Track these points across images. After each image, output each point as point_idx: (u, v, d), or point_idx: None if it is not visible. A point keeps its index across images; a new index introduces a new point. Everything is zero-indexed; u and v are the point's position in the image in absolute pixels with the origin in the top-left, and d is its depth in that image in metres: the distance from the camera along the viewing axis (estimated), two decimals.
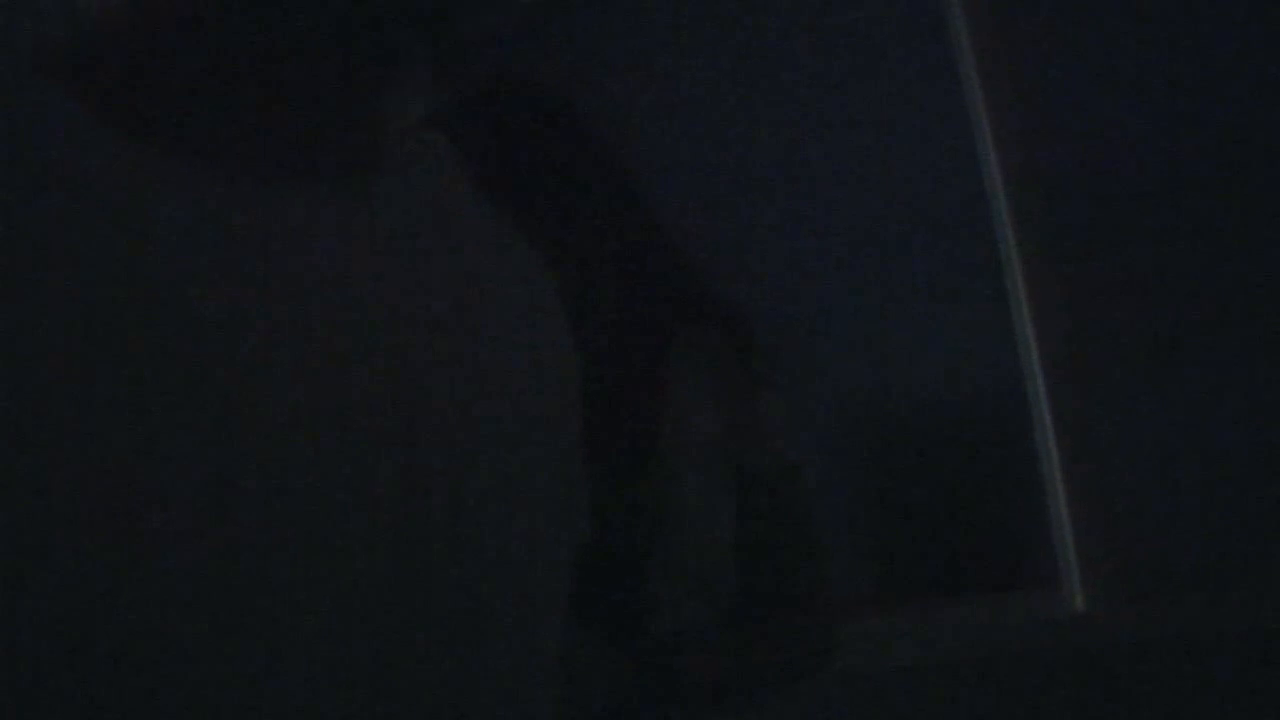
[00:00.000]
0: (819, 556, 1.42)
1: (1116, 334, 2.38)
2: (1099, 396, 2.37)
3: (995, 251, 2.42)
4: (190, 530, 0.65)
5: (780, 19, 2.55)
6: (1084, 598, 2.35)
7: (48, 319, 0.62)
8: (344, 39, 0.72)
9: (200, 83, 0.69)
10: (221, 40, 0.69)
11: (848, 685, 2.27)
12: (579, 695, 1.05)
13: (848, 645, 2.31)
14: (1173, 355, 2.35)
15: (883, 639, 2.29)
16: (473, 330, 0.82)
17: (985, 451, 2.56)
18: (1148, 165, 2.37)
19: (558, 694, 0.89)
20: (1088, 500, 2.36)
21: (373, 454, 0.73)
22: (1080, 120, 2.40)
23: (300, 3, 0.70)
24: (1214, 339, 2.33)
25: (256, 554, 0.67)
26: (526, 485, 0.82)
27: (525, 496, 0.82)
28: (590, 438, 0.96)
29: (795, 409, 1.47)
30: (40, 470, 0.61)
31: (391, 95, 0.79)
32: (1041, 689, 2.26)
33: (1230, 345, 2.32)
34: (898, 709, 2.30)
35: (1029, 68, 2.39)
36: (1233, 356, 2.32)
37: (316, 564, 0.70)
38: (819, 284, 2.52)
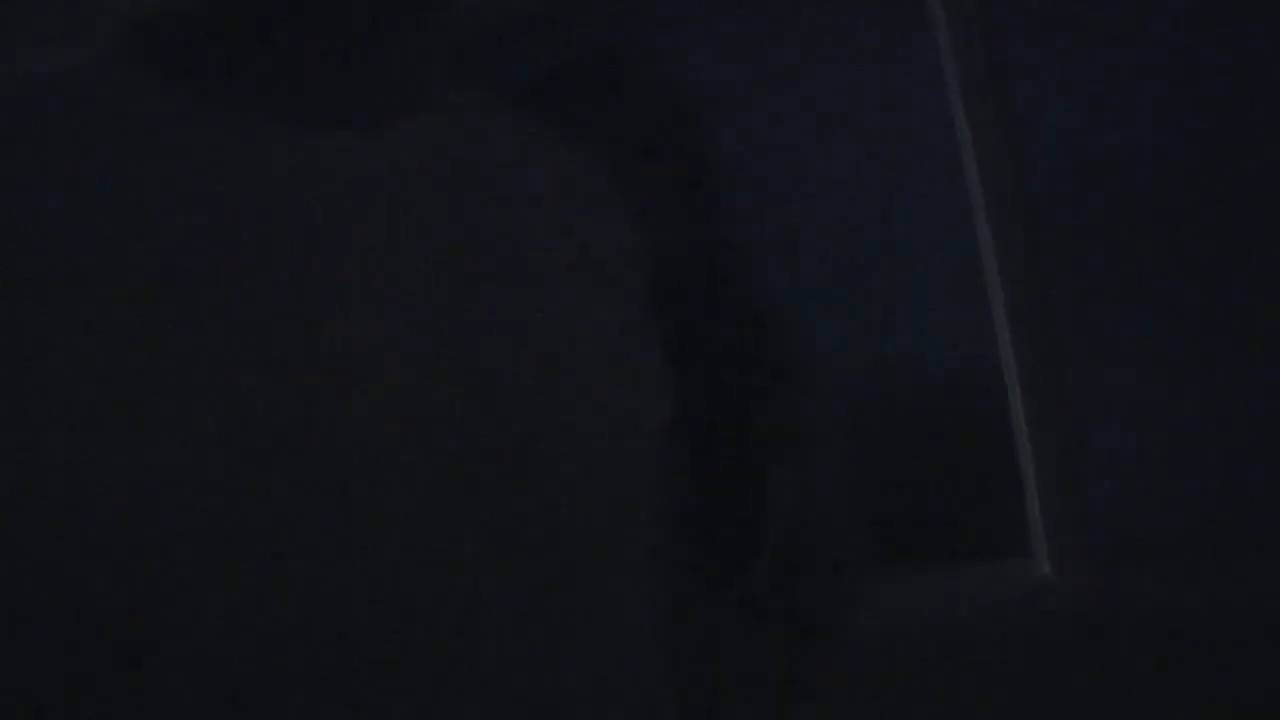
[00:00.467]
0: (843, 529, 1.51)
1: (1086, 313, 2.42)
2: (1068, 371, 2.41)
3: (971, 234, 2.45)
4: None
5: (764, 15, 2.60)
6: (1052, 565, 2.40)
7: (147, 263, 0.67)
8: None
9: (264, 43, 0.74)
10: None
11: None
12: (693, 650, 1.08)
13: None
14: (1140, 331, 2.39)
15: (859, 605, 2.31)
16: (553, 315, 0.83)
17: (958, 426, 2.60)
18: (1121, 150, 2.40)
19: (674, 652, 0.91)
20: (1056, 471, 2.41)
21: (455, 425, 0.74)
22: (1055, 108, 2.43)
23: None
24: (1182, 314, 2.37)
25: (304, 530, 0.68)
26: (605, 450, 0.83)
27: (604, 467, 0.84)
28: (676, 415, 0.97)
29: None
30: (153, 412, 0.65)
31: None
32: (1011, 653, 2.31)
33: (1198, 320, 2.36)
34: (870, 673, 2.35)
35: (1008, 56, 2.43)
36: (1200, 331, 2.36)
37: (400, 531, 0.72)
38: (805, 269, 2.55)
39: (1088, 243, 2.43)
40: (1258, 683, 2.22)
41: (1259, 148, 2.32)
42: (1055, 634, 2.34)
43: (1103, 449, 2.43)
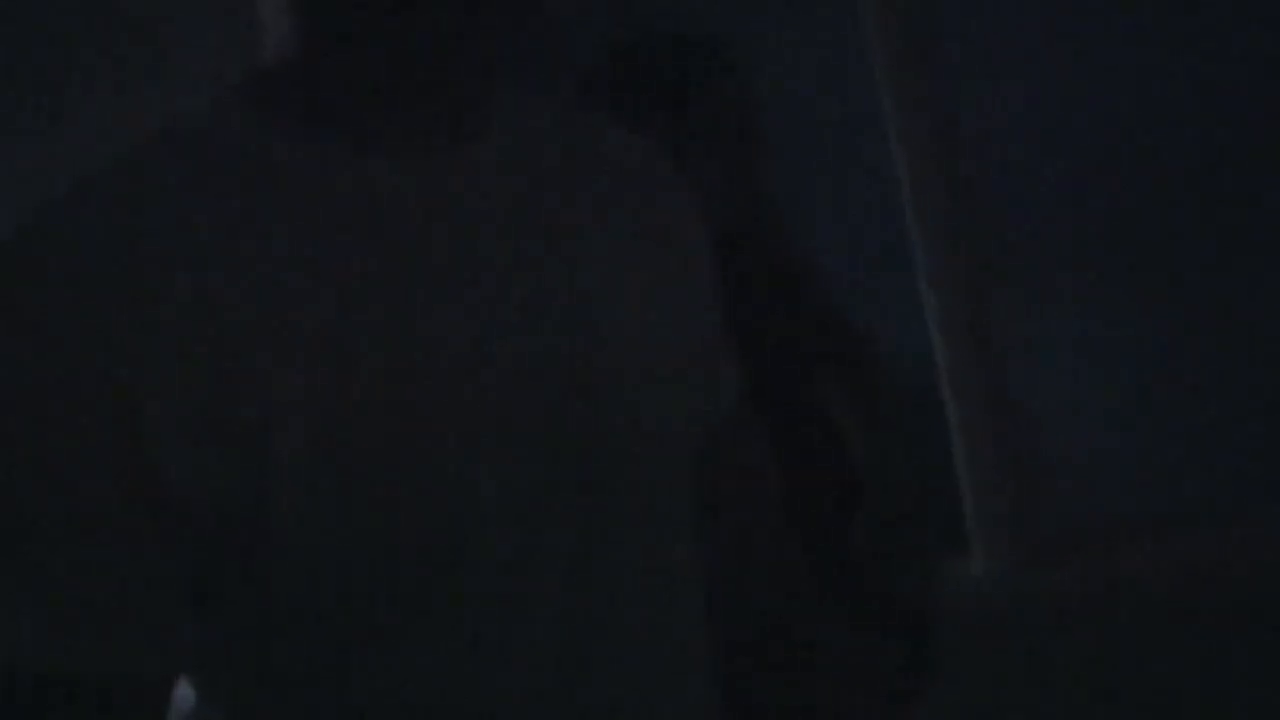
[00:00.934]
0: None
1: (1016, 310, 2.43)
2: (999, 366, 2.43)
3: (904, 232, 2.46)
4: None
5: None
6: (987, 561, 2.42)
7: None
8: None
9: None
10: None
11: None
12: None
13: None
14: (1083, 329, 2.40)
15: None
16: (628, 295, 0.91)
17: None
18: (1066, 136, 2.40)
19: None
20: (991, 469, 2.43)
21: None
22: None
23: None
24: (1113, 313, 2.38)
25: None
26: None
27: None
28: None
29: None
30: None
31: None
32: (949, 650, 2.31)
33: (1127, 318, 2.37)
34: None
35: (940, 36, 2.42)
36: (1128, 329, 2.37)
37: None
38: None
39: (1034, 230, 2.43)
40: (1198, 678, 2.25)
41: (1208, 137, 2.32)
42: (992, 630, 2.34)
43: (1039, 446, 2.45)
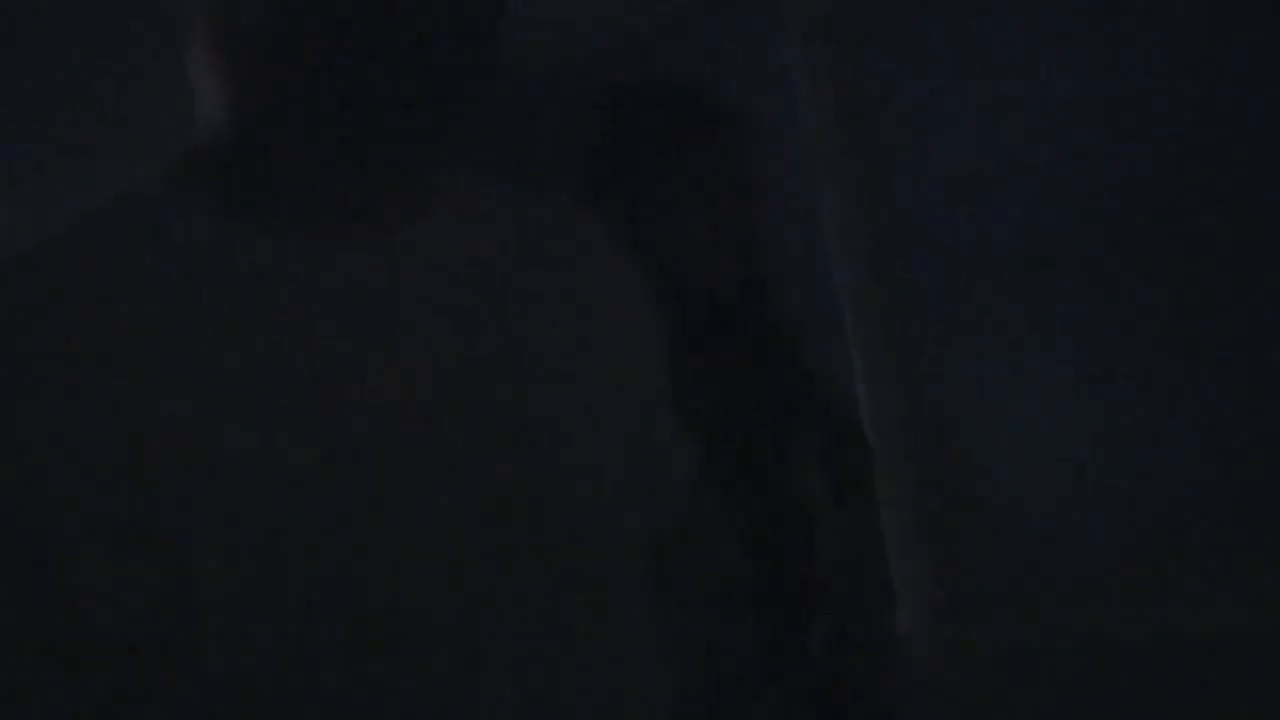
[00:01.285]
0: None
1: (944, 358, 2.43)
2: (925, 419, 2.45)
3: (833, 300, 2.48)
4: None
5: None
6: (909, 621, 2.40)
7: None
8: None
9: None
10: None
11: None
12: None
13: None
14: (998, 382, 2.40)
15: None
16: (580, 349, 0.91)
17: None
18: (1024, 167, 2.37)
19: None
20: (914, 526, 2.44)
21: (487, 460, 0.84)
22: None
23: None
24: (1049, 366, 2.36)
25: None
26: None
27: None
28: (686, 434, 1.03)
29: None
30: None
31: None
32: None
33: (1065, 371, 2.35)
34: None
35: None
36: (1065, 381, 2.35)
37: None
38: None
39: (942, 298, 2.42)
40: None
41: (1155, 155, 2.28)
42: (918, 688, 2.28)
43: (965, 504, 2.45)
